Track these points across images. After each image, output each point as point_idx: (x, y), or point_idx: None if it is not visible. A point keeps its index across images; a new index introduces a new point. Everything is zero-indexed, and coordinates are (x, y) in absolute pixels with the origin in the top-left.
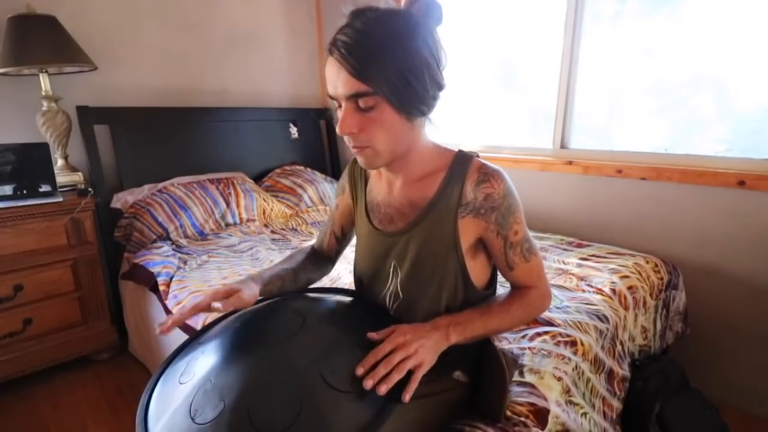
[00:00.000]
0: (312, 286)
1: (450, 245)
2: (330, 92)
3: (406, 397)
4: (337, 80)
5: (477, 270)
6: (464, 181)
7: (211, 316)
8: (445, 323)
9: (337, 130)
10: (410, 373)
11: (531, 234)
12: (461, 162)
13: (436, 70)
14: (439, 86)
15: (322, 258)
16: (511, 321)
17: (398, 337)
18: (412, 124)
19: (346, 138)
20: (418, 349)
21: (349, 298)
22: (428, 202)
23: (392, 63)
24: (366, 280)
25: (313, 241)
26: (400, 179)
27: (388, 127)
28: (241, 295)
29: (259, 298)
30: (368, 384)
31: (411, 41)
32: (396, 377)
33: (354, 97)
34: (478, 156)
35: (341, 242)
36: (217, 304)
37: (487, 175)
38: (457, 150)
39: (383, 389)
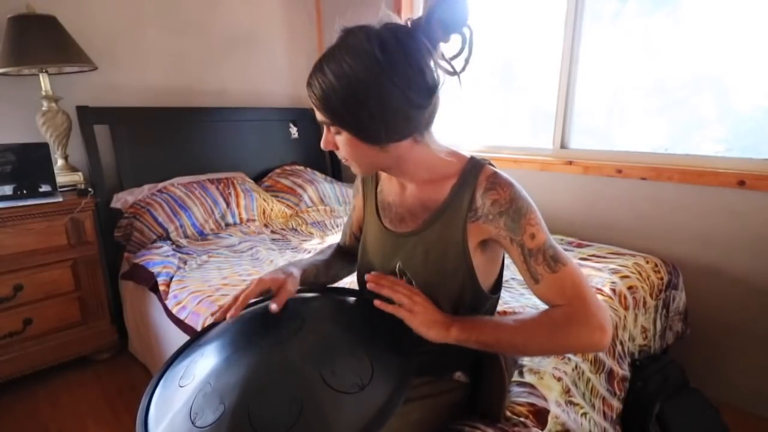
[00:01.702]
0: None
1: (459, 249)
2: None
3: (370, 284)
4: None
5: (481, 271)
6: (475, 187)
7: (211, 318)
8: (455, 317)
9: (321, 144)
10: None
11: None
12: (473, 169)
13: (405, 103)
14: (410, 116)
15: (348, 254)
16: (529, 339)
17: (416, 290)
18: (383, 148)
19: None
20: (417, 305)
21: (349, 298)
22: (439, 206)
23: (346, 107)
24: None
25: (338, 239)
26: (410, 182)
27: (356, 151)
28: (289, 288)
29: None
30: (368, 277)
31: (368, 87)
32: (385, 291)
33: (324, 123)
34: (490, 163)
35: (360, 240)
36: (274, 306)
37: (495, 183)
38: (469, 156)
39: (371, 285)
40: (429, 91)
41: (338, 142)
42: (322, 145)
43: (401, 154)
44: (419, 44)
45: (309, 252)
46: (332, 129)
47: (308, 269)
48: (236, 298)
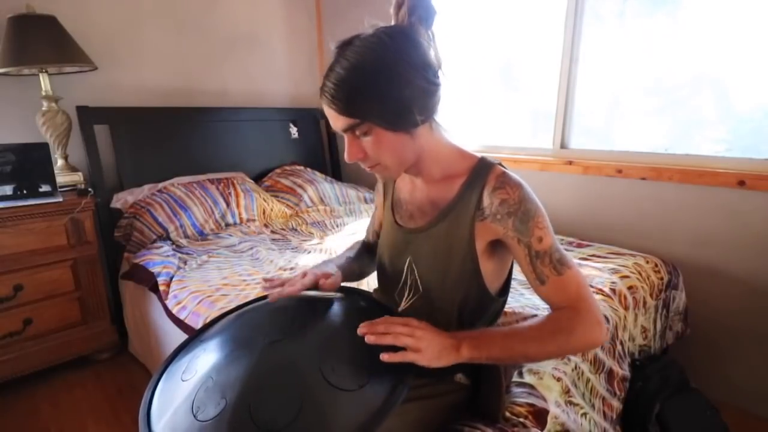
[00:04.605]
0: None
1: (466, 247)
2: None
3: (371, 338)
4: (331, 118)
5: (490, 274)
6: (483, 187)
7: (212, 315)
8: (461, 335)
9: (345, 158)
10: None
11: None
12: (482, 168)
13: (422, 80)
14: (430, 92)
15: (371, 251)
16: (540, 346)
17: (412, 322)
18: (412, 134)
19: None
20: (423, 340)
21: (352, 296)
22: (448, 203)
23: (371, 95)
24: (385, 271)
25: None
26: (420, 179)
27: (388, 146)
28: (336, 280)
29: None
30: (361, 330)
31: (387, 69)
32: (388, 339)
33: (348, 130)
34: (500, 164)
35: None
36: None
37: (504, 182)
38: (479, 156)
39: (371, 339)
40: (435, 70)
41: (366, 145)
42: (346, 157)
43: (423, 143)
44: (415, 33)
45: (309, 252)
46: (357, 132)
47: (346, 268)
48: (292, 283)
